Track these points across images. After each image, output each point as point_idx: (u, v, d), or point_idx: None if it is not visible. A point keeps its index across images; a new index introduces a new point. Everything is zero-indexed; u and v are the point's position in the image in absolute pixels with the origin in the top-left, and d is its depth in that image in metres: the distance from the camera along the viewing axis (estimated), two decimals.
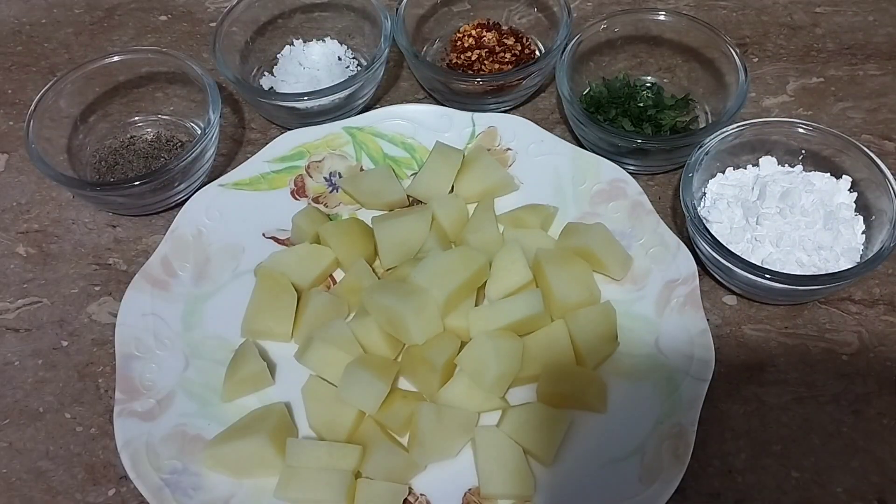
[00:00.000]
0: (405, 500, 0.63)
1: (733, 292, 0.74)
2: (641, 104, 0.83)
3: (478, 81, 0.83)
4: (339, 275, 0.76)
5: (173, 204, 0.81)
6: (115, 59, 0.84)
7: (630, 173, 0.76)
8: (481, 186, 0.78)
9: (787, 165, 0.76)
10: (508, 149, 0.80)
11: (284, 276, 0.72)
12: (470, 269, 0.68)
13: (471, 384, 0.66)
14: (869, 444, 0.65)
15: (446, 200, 0.77)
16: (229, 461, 0.64)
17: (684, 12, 0.87)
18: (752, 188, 0.74)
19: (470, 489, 0.64)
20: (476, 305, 0.71)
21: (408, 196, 0.79)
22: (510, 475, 0.62)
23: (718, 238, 0.69)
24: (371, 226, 0.76)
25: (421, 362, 0.67)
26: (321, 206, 0.80)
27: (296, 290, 0.72)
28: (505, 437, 0.63)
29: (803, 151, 0.75)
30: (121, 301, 0.71)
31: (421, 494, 0.64)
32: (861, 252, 0.70)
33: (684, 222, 0.73)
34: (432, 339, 0.67)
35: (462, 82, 0.84)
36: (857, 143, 0.72)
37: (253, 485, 0.64)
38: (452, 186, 0.79)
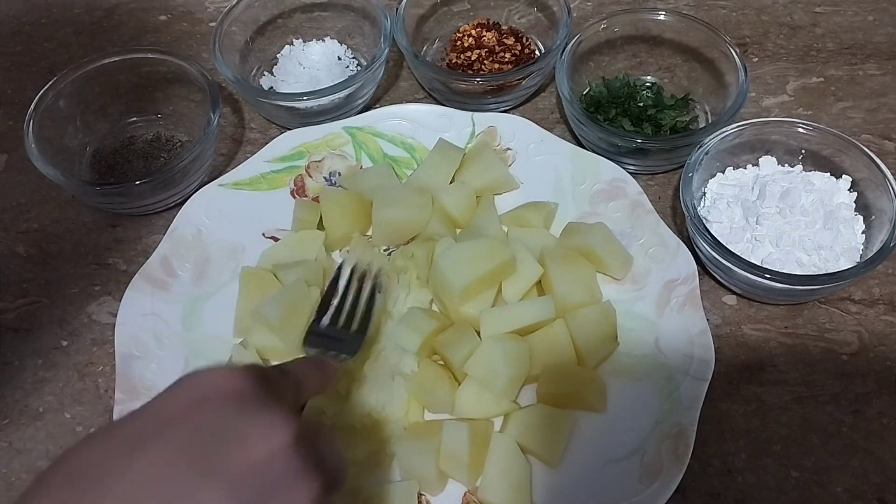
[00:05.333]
0: None
1: (733, 292, 0.74)
2: (641, 104, 0.83)
3: (478, 81, 0.83)
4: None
5: (173, 204, 0.81)
6: (115, 59, 0.84)
7: (630, 173, 0.76)
8: (481, 182, 0.78)
9: (786, 165, 0.76)
10: (508, 149, 0.80)
11: (267, 272, 0.73)
12: (494, 261, 0.68)
13: (481, 390, 0.65)
14: (869, 444, 0.65)
15: (453, 188, 0.77)
16: None
17: (684, 12, 0.87)
18: (752, 188, 0.74)
19: (469, 489, 0.64)
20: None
21: None
22: (510, 489, 0.61)
23: (718, 238, 0.69)
24: (369, 199, 0.77)
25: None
26: None
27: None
28: (518, 452, 0.63)
29: (803, 151, 0.75)
30: (120, 301, 0.71)
31: (421, 494, 0.64)
32: (861, 252, 0.70)
33: (684, 222, 0.73)
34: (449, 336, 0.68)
35: (462, 82, 0.84)
36: (857, 142, 0.72)
37: None
38: (452, 182, 0.79)
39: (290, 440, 0.39)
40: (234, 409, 0.39)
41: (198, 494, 0.36)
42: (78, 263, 0.79)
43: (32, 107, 0.79)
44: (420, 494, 0.63)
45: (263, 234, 0.78)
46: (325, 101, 0.82)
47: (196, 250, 0.75)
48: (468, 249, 0.68)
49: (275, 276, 0.73)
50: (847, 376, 0.69)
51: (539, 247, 0.72)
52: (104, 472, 0.36)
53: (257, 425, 0.39)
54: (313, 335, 0.63)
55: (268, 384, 0.42)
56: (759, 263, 0.68)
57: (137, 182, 0.75)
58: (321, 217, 0.77)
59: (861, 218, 0.71)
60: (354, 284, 0.67)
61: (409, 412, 0.66)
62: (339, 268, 0.68)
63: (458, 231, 0.77)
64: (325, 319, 0.64)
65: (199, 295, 0.73)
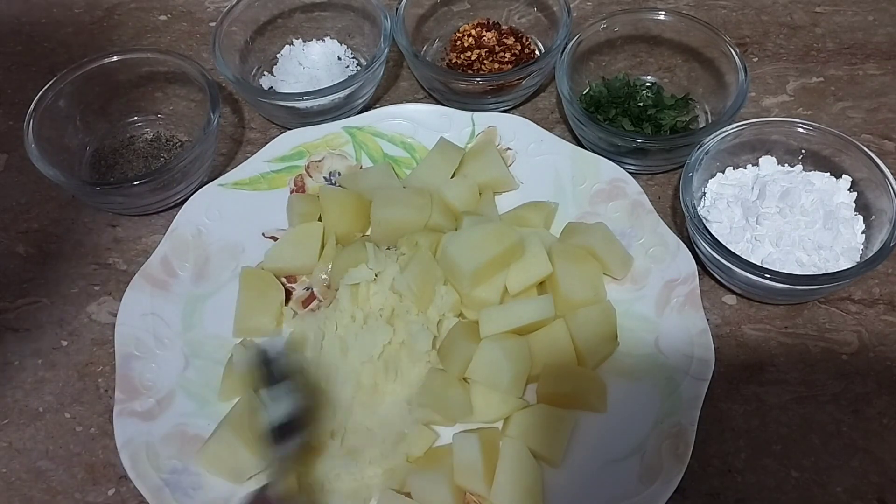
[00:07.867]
0: (408, 495, 0.63)
1: (733, 292, 0.74)
2: (641, 104, 0.83)
3: (477, 81, 0.83)
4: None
5: (173, 204, 0.81)
6: (115, 58, 0.84)
7: (630, 173, 0.76)
8: (482, 178, 0.78)
9: (786, 165, 0.76)
10: (508, 148, 0.80)
11: (267, 272, 0.73)
12: (502, 244, 0.68)
13: (487, 391, 0.65)
14: (869, 444, 0.65)
15: (455, 182, 0.77)
16: (223, 466, 0.64)
17: (684, 12, 0.87)
18: (752, 188, 0.74)
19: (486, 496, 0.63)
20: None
21: None
22: (522, 494, 0.61)
23: (718, 238, 0.69)
24: (368, 199, 0.76)
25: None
26: None
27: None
28: (529, 456, 0.63)
29: (803, 151, 0.75)
30: (120, 301, 0.71)
31: None
32: (861, 252, 0.70)
33: (684, 222, 0.73)
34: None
35: (462, 82, 0.84)
36: (857, 142, 0.72)
37: (253, 485, 0.64)
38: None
39: None
40: None
41: None
42: (78, 263, 0.79)
43: (32, 107, 0.79)
44: None
45: (263, 234, 0.78)
46: (325, 101, 0.82)
47: (196, 250, 0.75)
48: (476, 234, 0.68)
49: (275, 276, 0.73)
50: (847, 376, 0.69)
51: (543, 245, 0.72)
52: None
53: None
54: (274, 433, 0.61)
55: None
56: (759, 263, 0.68)
57: (137, 182, 0.75)
58: (320, 215, 0.77)
59: (861, 218, 0.71)
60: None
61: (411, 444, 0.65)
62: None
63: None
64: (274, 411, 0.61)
65: (199, 295, 0.73)
